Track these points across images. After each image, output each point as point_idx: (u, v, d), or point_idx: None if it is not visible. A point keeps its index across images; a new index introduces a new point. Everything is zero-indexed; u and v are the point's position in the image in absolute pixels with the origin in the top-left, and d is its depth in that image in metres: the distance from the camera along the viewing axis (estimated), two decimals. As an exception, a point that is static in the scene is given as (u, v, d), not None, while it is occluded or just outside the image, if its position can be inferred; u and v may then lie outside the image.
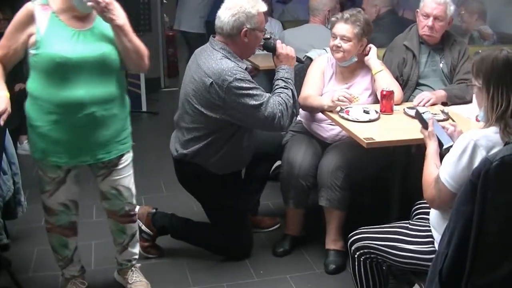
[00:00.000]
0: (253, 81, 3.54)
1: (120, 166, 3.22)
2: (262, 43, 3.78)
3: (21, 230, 4.25)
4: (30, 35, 2.92)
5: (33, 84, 3.05)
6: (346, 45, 3.83)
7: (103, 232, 3.83)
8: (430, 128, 2.75)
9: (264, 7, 3.61)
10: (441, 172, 2.39)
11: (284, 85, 3.63)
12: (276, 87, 3.65)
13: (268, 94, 3.56)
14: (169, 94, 8.54)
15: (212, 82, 3.45)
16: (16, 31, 2.95)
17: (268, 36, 3.97)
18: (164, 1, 9.46)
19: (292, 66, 3.74)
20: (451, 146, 2.45)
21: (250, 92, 3.46)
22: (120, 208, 3.37)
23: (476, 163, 2.19)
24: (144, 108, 7.45)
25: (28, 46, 2.94)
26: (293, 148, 3.94)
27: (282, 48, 3.73)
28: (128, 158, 3.27)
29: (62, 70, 2.90)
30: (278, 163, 4.41)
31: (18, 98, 5.76)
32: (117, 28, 2.93)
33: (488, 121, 2.33)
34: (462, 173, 2.28)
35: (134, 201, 3.44)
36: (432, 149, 2.68)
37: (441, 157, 2.54)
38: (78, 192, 3.34)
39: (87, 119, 2.98)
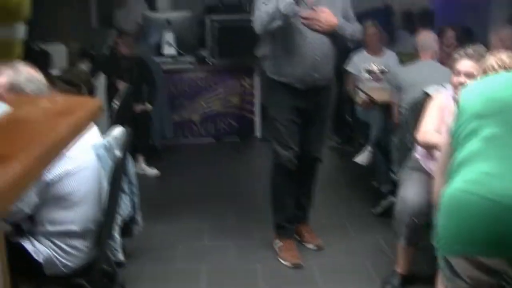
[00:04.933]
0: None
1: None
2: None
3: (135, 248, 4.38)
4: None
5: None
6: (470, 82, 3.74)
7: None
8: None
9: None
10: None
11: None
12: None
13: (271, 6, 3.92)
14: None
15: None
16: None
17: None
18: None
19: None
20: None
21: None
22: None
23: None
24: (257, 134, 7.56)
25: None
26: (408, 185, 3.88)
27: None
28: None
29: None
30: (391, 198, 4.37)
31: (137, 118, 6.06)
32: None
33: None
34: None
35: None
36: None
37: None
38: None
39: None
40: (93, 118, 1.11)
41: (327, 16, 4.09)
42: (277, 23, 3.95)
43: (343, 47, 4.34)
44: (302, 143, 4.33)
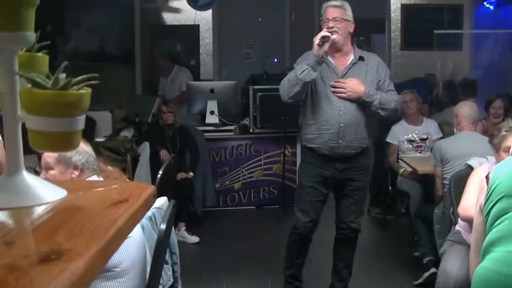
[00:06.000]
0: (301, 62, 4.20)
1: None
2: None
3: (175, 317, 4.38)
4: None
5: None
6: None
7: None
8: None
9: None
10: None
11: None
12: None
13: (292, 73, 4.17)
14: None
15: None
16: None
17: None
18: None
19: (314, 50, 4.10)
20: None
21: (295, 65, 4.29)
22: None
23: None
24: (299, 202, 7.48)
25: None
26: (450, 258, 3.84)
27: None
28: None
29: None
30: (433, 270, 4.32)
31: (180, 186, 6.12)
32: None
33: None
34: None
35: None
36: None
37: None
38: None
39: None
40: (148, 206, 1.15)
41: (354, 84, 4.18)
42: (296, 88, 4.12)
43: (374, 116, 4.32)
44: (340, 214, 4.43)
